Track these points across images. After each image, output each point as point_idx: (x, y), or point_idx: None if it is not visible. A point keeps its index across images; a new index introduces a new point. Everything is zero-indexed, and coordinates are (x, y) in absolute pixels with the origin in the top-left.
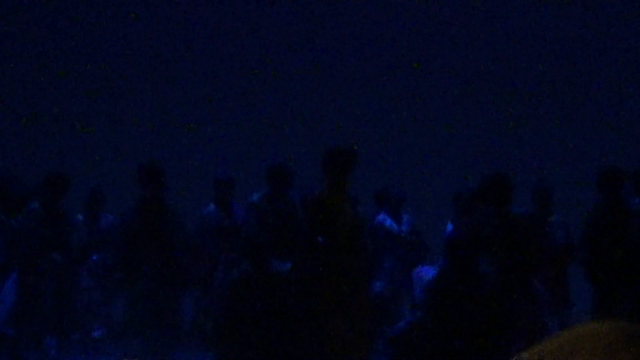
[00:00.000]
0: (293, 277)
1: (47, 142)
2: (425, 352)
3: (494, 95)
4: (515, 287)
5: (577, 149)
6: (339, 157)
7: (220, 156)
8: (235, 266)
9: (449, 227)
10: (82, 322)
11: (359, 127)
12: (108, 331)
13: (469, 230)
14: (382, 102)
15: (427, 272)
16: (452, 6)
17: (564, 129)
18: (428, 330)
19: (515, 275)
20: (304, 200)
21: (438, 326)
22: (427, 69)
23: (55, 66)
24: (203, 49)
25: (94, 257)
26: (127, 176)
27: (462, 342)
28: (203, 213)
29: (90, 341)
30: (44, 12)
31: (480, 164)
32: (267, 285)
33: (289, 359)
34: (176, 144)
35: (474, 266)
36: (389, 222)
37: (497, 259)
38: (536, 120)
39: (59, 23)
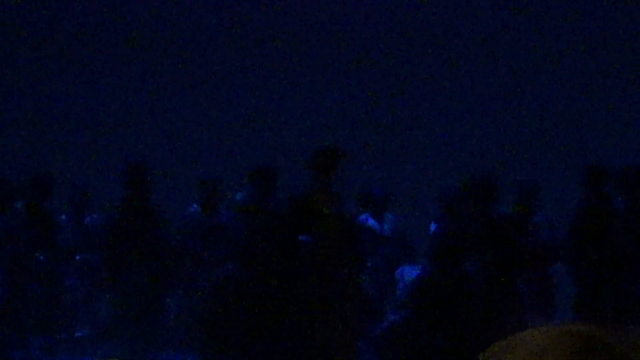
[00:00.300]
0: (279, 276)
1: (32, 141)
2: (409, 352)
3: (479, 93)
4: (499, 287)
5: (563, 147)
6: (325, 156)
7: (205, 156)
8: (219, 266)
9: (433, 226)
10: (67, 322)
11: (344, 127)
12: (92, 331)
13: (453, 230)
14: (366, 102)
15: (410, 272)
16: (435, 5)
17: (549, 127)
18: (412, 330)
19: (499, 275)
20: (289, 199)
21: (422, 325)
22: (411, 68)
23: (40, 64)
24: (187, 47)
25: (78, 257)
26: (112, 176)
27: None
28: (187, 213)
29: (74, 341)
30: (25, 9)
31: (465, 163)
32: (253, 285)
33: (273, 357)
34: (161, 144)
35: (458, 265)
36: (371, 221)
37: (482, 258)
38: (521, 119)
39: (42, 20)
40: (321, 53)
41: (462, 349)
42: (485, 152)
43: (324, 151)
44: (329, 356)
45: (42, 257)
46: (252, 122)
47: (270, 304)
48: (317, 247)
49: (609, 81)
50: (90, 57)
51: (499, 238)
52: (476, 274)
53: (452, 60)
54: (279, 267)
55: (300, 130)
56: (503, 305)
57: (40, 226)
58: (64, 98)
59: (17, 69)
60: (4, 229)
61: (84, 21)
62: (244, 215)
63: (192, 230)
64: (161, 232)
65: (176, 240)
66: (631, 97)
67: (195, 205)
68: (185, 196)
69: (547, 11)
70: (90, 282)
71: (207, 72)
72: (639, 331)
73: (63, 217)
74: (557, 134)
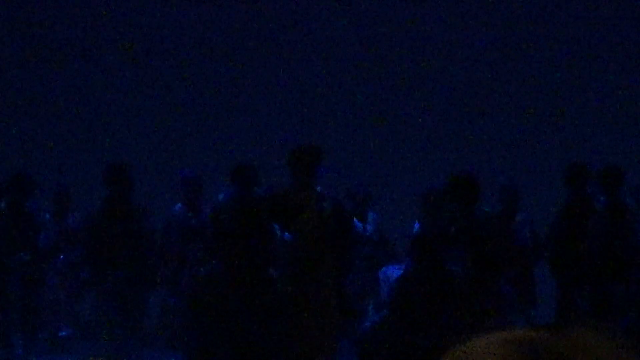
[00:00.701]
0: (257, 274)
1: (15, 140)
2: (391, 351)
3: (460, 93)
4: (481, 286)
5: (545, 147)
6: (304, 155)
7: (188, 155)
8: (201, 265)
9: (416, 225)
10: (50, 322)
11: (327, 126)
12: (75, 330)
13: (435, 229)
14: (349, 101)
15: (393, 271)
16: (414, 11)
17: (530, 127)
18: (394, 330)
19: (482, 274)
20: (268, 196)
21: (404, 325)
22: (393, 69)
23: (23, 64)
24: (169, 45)
25: (61, 257)
26: (95, 175)
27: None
28: (170, 212)
29: (57, 340)
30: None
31: (448, 162)
32: (236, 283)
33: (255, 356)
34: (145, 143)
35: (441, 265)
36: (354, 220)
37: (464, 257)
38: (504, 120)
39: (21, 21)
40: (305, 51)
41: (443, 348)
42: (468, 152)
43: (303, 150)
44: (309, 355)
45: (25, 257)
46: (237, 121)
47: (249, 303)
48: (297, 244)
49: (589, 82)
50: (73, 57)
51: (481, 237)
52: (459, 273)
53: (435, 61)
54: (257, 264)
55: (285, 129)
56: (485, 304)
57: (23, 226)
58: (47, 97)
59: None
60: None
61: (64, 21)
62: (226, 214)
63: (176, 229)
64: (144, 231)
65: (160, 239)
66: (612, 98)
67: (179, 204)
68: (169, 195)
69: (527, 13)
70: (73, 281)
71: (190, 71)
72: (582, 331)
73: (47, 216)
74: (539, 134)
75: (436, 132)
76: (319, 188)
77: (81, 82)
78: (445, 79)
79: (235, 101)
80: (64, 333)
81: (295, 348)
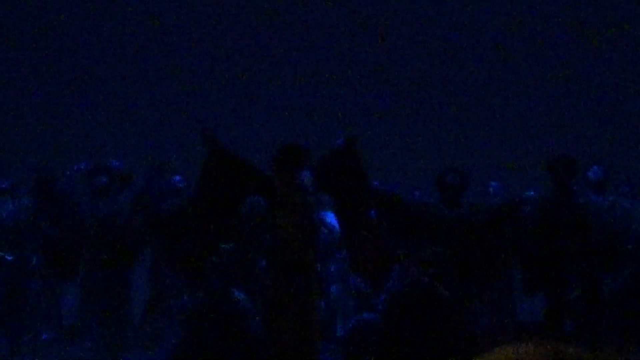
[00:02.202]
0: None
1: None
2: (378, 351)
3: (448, 91)
4: (472, 288)
5: (533, 147)
6: (291, 154)
7: (179, 153)
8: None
9: None
10: (32, 324)
11: (310, 124)
12: (58, 333)
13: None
14: (336, 99)
15: (330, 218)
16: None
17: (520, 126)
18: (382, 330)
19: (472, 276)
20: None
21: (392, 326)
22: (384, 66)
23: (10, 60)
24: (158, 40)
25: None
26: (80, 173)
27: None
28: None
29: (40, 343)
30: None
31: (436, 160)
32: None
33: (237, 356)
34: (134, 140)
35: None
36: (331, 219)
37: (454, 259)
38: (492, 117)
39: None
40: (298, 46)
41: (429, 350)
42: (453, 153)
43: (289, 149)
44: (292, 353)
45: (7, 258)
46: (227, 116)
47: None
48: (280, 239)
49: (577, 82)
50: (60, 51)
51: (466, 238)
52: (449, 274)
53: (427, 59)
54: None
55: (273, 126)
56: (477, 307)
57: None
58: (34, 92)
59: None
60: None
61: (63, 19)
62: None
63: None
64: (128, 232)
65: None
66: (599, 96)
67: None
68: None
69: (523, 12)
70: (55, 283)
71: (177, 67)
72: (609, 352)
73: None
74: (528, 131)
75: (423, 131)
76: (306, 179)
77: (67, 76)
78: (430, 77)
79: (228, 99)
80: (46, 336)
81: (276, 348)
